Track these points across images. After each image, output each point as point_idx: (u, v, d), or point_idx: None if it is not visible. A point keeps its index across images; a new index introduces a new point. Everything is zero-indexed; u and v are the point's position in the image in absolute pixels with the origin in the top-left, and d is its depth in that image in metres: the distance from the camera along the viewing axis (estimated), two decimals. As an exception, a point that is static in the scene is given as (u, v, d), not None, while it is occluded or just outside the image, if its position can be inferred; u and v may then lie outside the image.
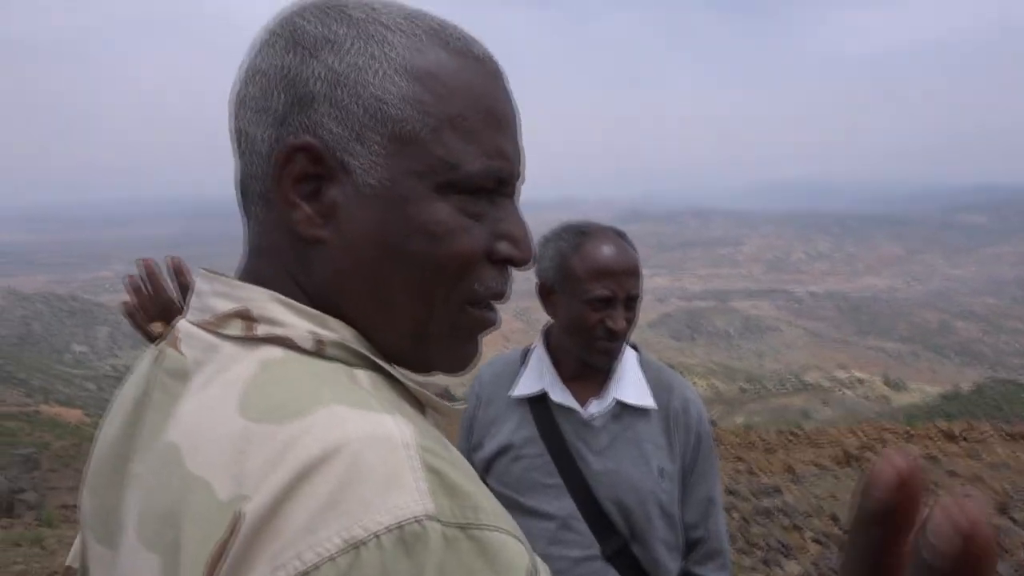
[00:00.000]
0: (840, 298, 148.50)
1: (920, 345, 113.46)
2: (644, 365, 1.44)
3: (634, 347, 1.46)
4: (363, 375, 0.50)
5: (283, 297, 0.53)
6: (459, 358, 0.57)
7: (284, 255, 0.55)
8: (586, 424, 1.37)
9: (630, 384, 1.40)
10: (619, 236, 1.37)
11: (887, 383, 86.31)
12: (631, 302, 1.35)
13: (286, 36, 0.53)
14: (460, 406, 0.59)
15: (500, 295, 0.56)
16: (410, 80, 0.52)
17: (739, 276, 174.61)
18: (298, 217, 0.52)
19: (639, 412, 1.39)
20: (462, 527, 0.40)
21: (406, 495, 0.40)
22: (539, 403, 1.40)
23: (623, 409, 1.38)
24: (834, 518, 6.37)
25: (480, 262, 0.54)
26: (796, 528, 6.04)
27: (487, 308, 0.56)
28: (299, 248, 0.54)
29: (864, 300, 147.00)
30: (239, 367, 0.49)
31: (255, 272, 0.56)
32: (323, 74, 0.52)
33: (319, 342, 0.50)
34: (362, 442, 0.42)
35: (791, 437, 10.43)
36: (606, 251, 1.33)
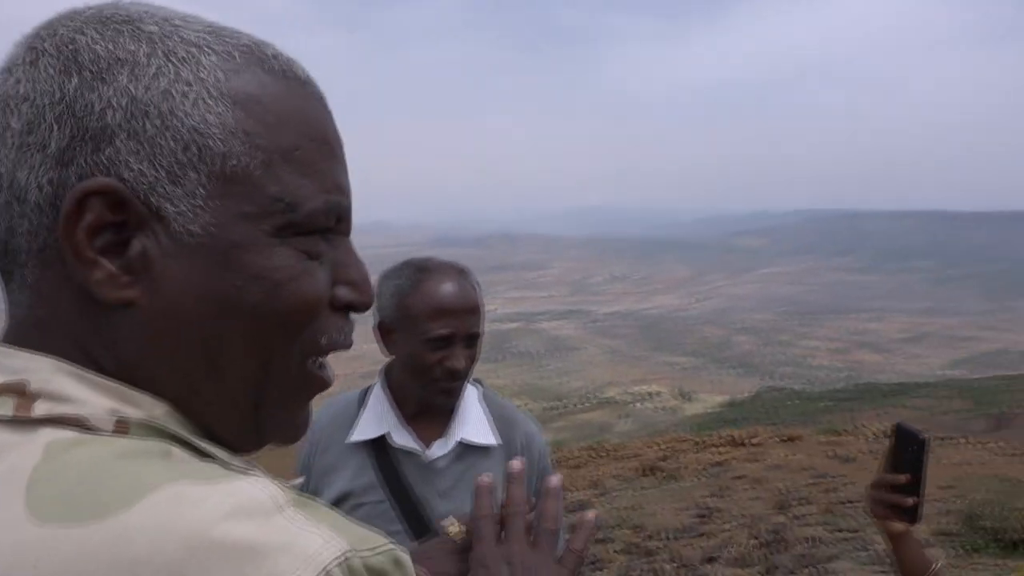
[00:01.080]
0: (636, 317, 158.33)
1: (706, 358, 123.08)
2: (487, 401, 1.41)
3: (478, 383, 1.43)
4: (180, 453, 0.41)
5: (73, 367, 0.42)
6: (295, 426, 0.50)
7: (73, 326, 0.44)
8: (429, 467, 1.32)
9: (473, 422, 1.36)
10: (460, 273, 1.33)
11: (678, 395, 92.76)
12: (472, 340, 1.31)
13: (59, 55, 0.43)
14: (297, 482, 0.46)
15: (346, 346, 0.50)
16: (231, 106, 0.44)
17: (545, 298, 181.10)
18: (98, 277, 0.42)
19: (482, 450, 1.35)
20: (375, 551, 0.38)
21: (314, 544, 0.35)
22: (379, 447, 1.34)
23: (466, 449, 1.34)
24: (639, 528, 6.64)
25: (324, 310, 0.47)
26: (603, 541, 6.26)
27: (324, 365, 0.49)
28: (95, 315, 0.43)
29: (657, 318, 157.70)
30: (14, 456, 0.39)
31: (31, 348, 0.44)
32: (119, 102, 0.42)
33: (120, 422, 0.41)
34: (232, 519, 0.35)
35: (596, 453, 10.85)
36: (446, 289, 1.29)
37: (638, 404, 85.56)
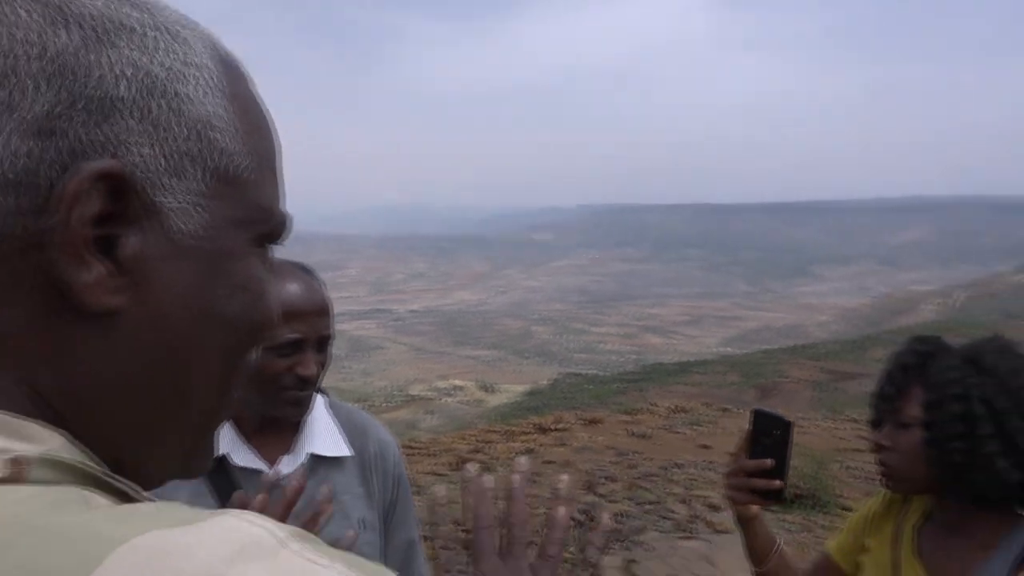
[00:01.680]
0: (437, 313, 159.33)
1: (506, 350, 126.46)
2: (335, 410, 1.32)
3: (322, 391, 1.30)
4: (100, 499, 0.33)
5: None
6: (211, 454, 0.45)
7: (18, 337, 0.35)
8: (277, 486, 1.14)
9: (322, 434, 1.25)
10: (305, 272, 1.22)
11: (481, 387, 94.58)
12: (322, 344, 1.20)
13: (46, 2, 0.35)
14: None
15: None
16: (230, 101, 0.40)
17: (344, 299, 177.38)
18: (88, 278, 0.35)
19: (334, 462, 1.24)
20: None
21: None
22: (217, 470, 1.20)
23: (318, 462, 1.23)
24: (458, 522, 6.64)
25: (272, 328, 0.44)
26: (424, 539, 6.19)
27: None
28: (60, 324, 0.36)
29: (458, 314, 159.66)
30: None
31: None
32: (126, 71, 0.36)
33: (16, 462, 0.31)
34: (240, 563, 0.28)
35: (409, 450, 10.75)
36: (291, 290, 1.17)
37: (443, 399, 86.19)
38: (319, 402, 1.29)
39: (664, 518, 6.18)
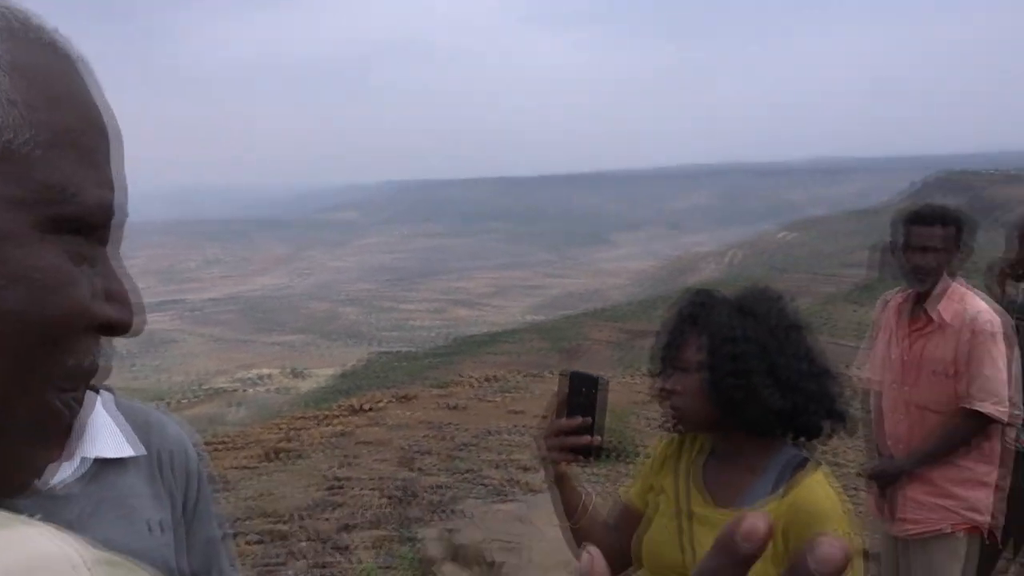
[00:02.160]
0: (237, 301, 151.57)
1: (314, 334, 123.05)
2: (119, 408, 1.22)
3: (103, 389, 1.20)
4: None
5: None
6: (28, 470, 0.40)
7: None
8: (50, 497, 1.06)
9: (103, 434, 1.15)
10: None
11: (290, 374, 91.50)
12: None
13: None
14: None
15: (93, 372, 0.41)
16: (8, 71, 0.36)
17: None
18: None
19: (119, 464, 1.15)
20: None
21: None
22: None
23: (102, 466, 1.13)
24: (270, 515, 6.39)
25: (83, 325, 0.39)
26: (235, 534, 5.90)
27: (70, 401, 0.40)
28: None
29: (260, 300, 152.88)
30: None
31: None
32: None
33: None
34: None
35: (212, 447, 10.17)
36: None
37: (250, 390, 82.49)
38: (97, 401, 1.21)
39: (480, 484, 6.31)
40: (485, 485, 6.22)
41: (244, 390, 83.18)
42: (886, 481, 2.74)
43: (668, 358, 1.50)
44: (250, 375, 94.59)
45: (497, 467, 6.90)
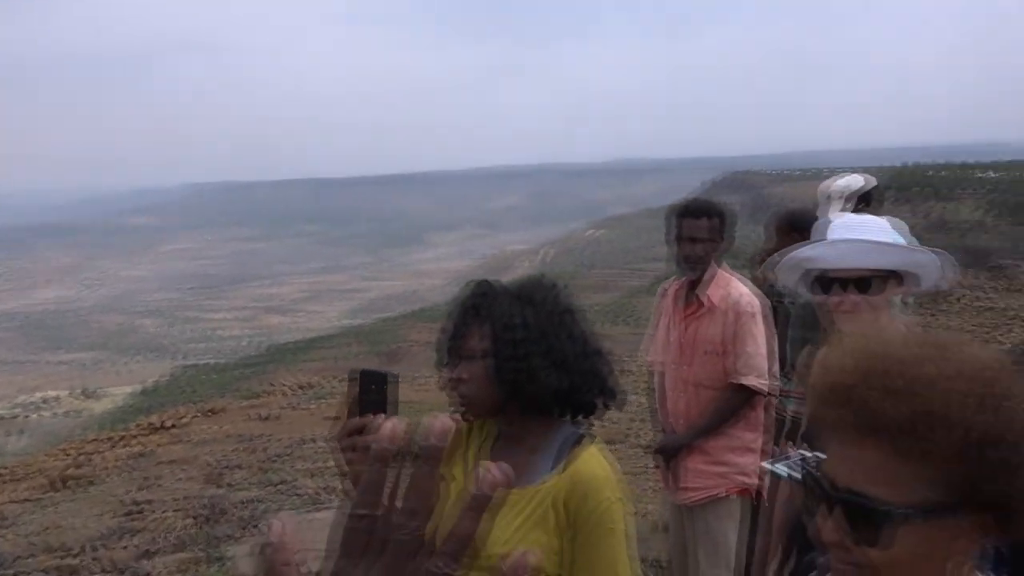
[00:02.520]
0: (16, 317, 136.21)
1: (109, 350, 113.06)
2: None
3: None
4: None
5: None
6: None
7: None
8: None
9: None
10: None
11: (82, 395, 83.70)
12: None
13: None
14: None
15: None
16: None
17: None
18: None
19: None
20: None
21: None
22: None
23: None
24: (58, 549, 5.85)
25: None
26: (17, 574, 5.34)
27: None
28: None
29: (43, 315, 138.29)
30: None
31: None
32: None
33: None
34: None
35: (-12, 479, 9.13)
36: None
37: (33, 415, 74.40)
38: None
39: (295, 495, 6.14)
40: (300, 495, 6.06)
41: (26, 416, 74.87)
42: (669, 455, 2.98)
43: (454, 348, 1.56)
44: (33, 399, 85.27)
45: (312, 476, 6.74)
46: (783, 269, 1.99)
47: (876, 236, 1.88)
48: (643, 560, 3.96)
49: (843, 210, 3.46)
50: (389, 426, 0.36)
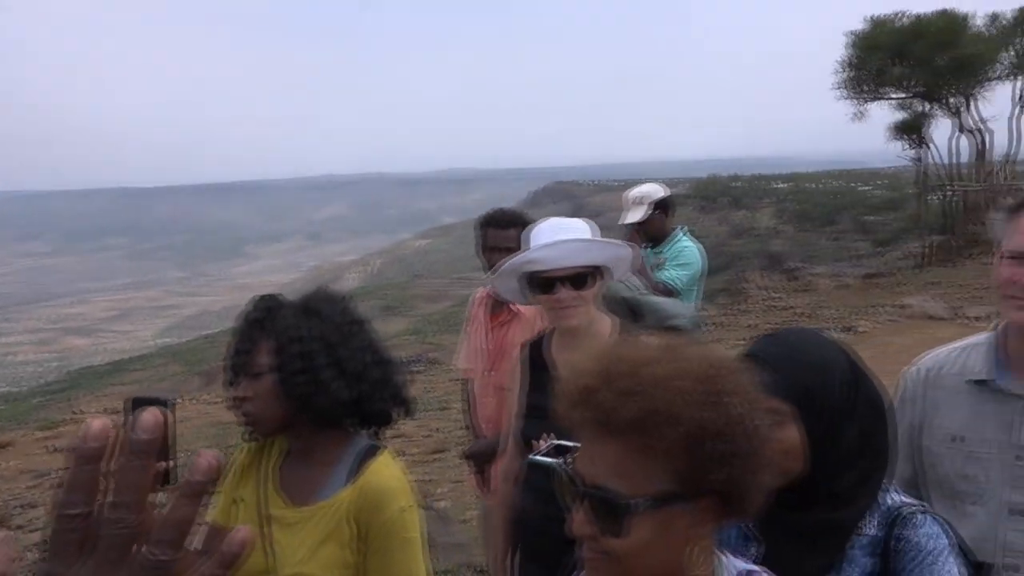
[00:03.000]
0: None
1: None
2: None
3: None
4: None
5: None
6: None
7: None
8: None
9: None
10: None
11: None
12: None
13: None
14: None
15: None
16: None
17: None
18: None
19: None
20: None
21: None
22: None
23: None
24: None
25: None
26: None
27: None
28: None
29: None
30: None
31: None
32: None
33: None
34: None
35: None
36: None
37: None
38: None
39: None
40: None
41: None
42: (482, 460, 3.01)
43: (239, 366, 1.51)
44: None
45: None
46: (503, 276, 2.06)
47: (584, 235, 2.00)
48: (470, 566, 3.99)
49: (642, 216, 3.71)
50: (97, 425, 0.36)
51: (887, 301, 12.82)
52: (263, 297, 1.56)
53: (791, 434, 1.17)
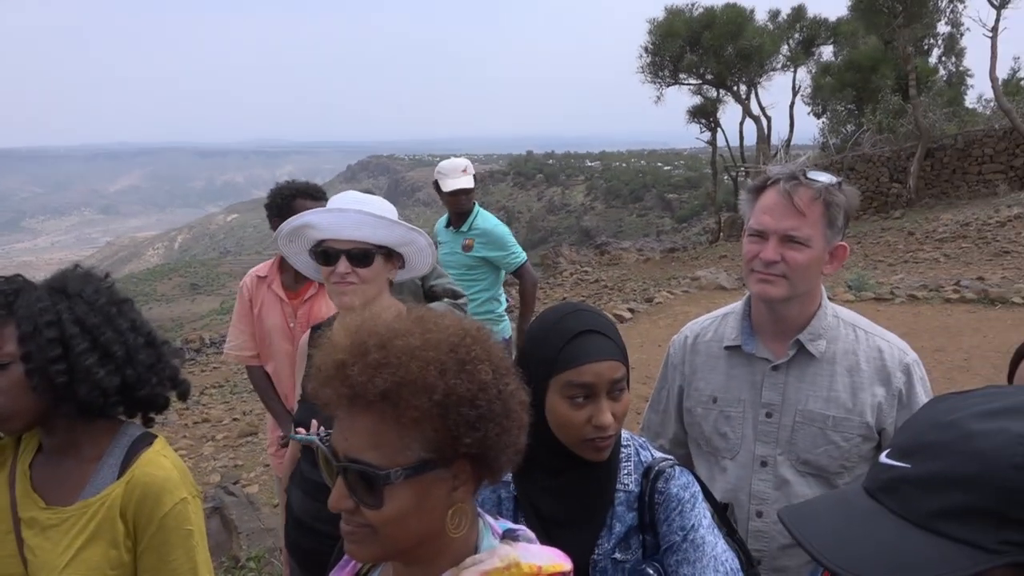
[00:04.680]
0: None
1: None
2: None
3: None
4: None
5: None
6: None
7: None
8: None
9: None
10: None
11: None
12: None
13: None
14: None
15: None
16: None
17: None
18: None
19: None
20: None
21: None
22: None
23: None
24: None
25: None
26: None
27: None
28: None
29: None
30: None
31: None
32: None
33: None
34: None
35: None
36: None
37: None
38: None
39: None
40: None
41: None
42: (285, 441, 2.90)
43: None
44: None
45: None
46: (285, 237, 1.90)
47: (378, 212, 1.84)
48: (279, 551, 3.90)
49: (470, 184, 3.76)
50: None
51: (684, 273, 13.81)
52: (4, 279, 1.38)
53: None
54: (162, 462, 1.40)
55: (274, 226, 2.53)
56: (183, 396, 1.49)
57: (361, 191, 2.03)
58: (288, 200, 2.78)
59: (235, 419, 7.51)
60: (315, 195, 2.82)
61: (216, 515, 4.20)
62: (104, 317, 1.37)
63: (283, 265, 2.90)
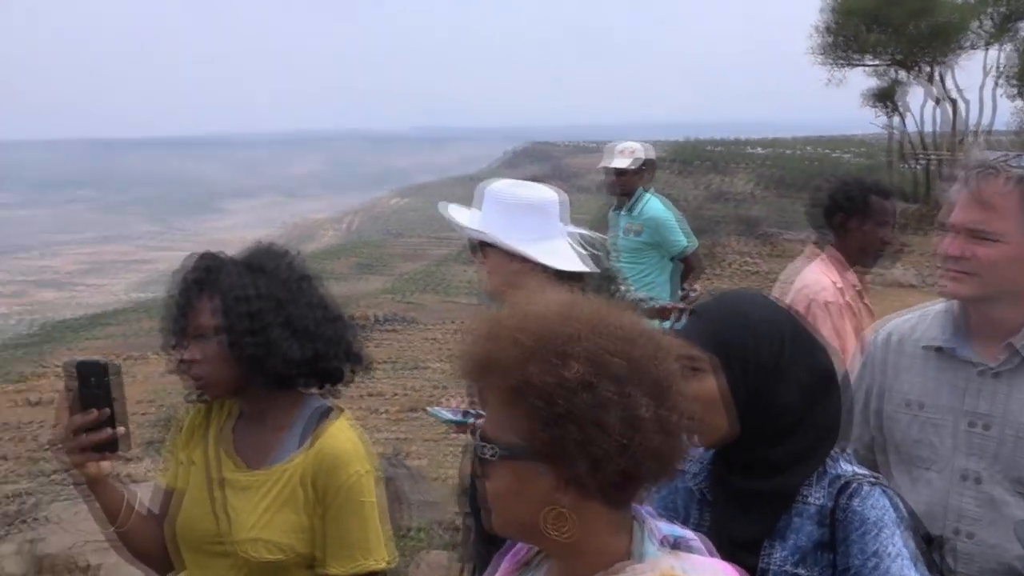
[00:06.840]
0: None
1: None
2: None
3: None
4: None
5: None
6: None
7: None
8: None
9: None
10: None
11: None
12: None
13: None
14: None
15: None
16: None
17: None
18: None
19: None
20: None
21: None
22: None
23: None
24: None
25: None
26: None
27: None
28: None
29: None
30: None
31: None
32: None
33: None
34: None
35: None
36: None
37: None
38: None
39: (71, 485, 5.67)
40: (76, 485, 5.60)
41: None
42: None
43: (182, 328, 1.45)
44: None
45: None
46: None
47: (521, 201, 1.97)
48: (442, 524, 4.07)
49: (627, 165, 3.76)
50: None
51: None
52: (203, 255, 1.49)
53: (708, 384, 1.19)
54: (344, 435, 1.48)
55: (830, 218, 2.61)
56: (363, 369, 1.57)
57: (527, 179, 2.10)
58: (864, 195, 2.68)
59: (401, 394, 7.88)
60: (885, 193, 2.74)
61: (384, 486, 4.43)
62: (292, 292, 1.45)
63: None
